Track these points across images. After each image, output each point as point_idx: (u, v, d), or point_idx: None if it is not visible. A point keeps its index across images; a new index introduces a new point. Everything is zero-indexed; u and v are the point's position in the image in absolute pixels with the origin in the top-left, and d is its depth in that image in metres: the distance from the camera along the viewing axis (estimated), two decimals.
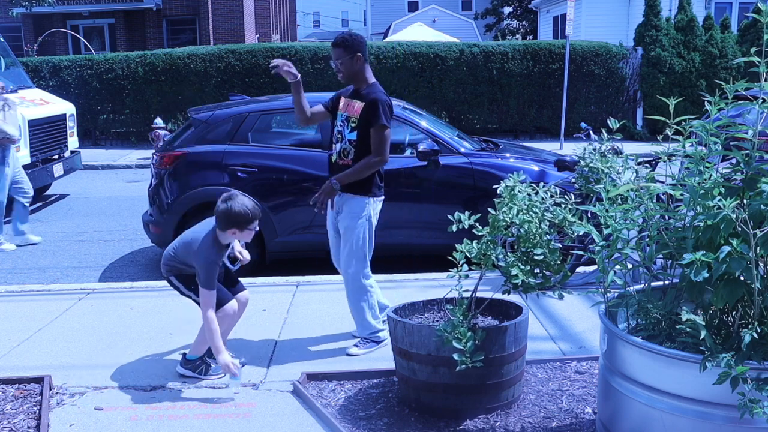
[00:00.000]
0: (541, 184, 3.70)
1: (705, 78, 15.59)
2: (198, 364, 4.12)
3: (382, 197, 4.44)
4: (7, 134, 7.57)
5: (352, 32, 4.36)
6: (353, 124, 4.29)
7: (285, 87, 16.64)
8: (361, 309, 4.45)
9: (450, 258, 3.49)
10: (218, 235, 3.95)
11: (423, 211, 6.34)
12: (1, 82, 8.05)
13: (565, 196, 3.64)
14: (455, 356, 3.30)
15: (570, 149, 8.09)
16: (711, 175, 3.01)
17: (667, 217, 3.22)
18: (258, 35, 30.11)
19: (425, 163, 6.24)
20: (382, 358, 4.27)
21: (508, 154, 6.70)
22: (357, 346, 4.48)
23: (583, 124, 7.35)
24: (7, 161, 7.72)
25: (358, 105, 4.28)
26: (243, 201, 3.88)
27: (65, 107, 10.85)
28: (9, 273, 6.99)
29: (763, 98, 2.88)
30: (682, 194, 3.03)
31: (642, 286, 3.21)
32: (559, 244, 3.61)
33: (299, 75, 4.25)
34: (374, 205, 4.38)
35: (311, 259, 6.40)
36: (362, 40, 4.31)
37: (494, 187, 3.64)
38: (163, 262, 4.14)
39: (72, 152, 10.97)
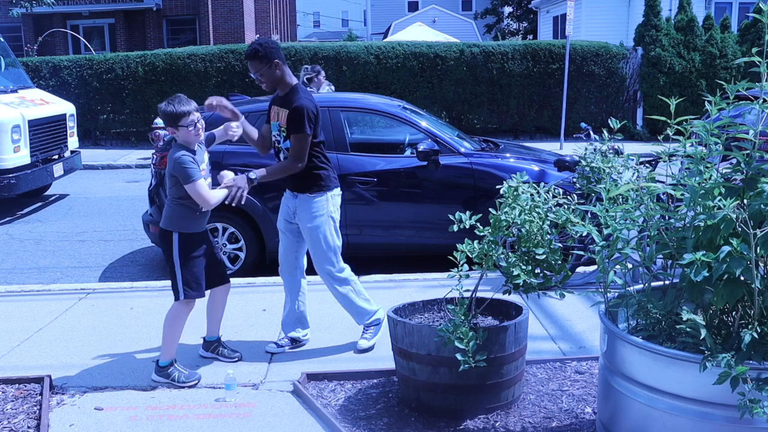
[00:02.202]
0: (542, 184, 3.70)
1: (705, 78, 15.58)
2: (171, 370, 4.06)
3: (339, 189, 4.42)
4: None
5: (263, 41, 4.21)
6: (285, 134, 4.26)
7: None
8: (350, 299, 4.45)
9: (450, 258, 3.49)
10: (179, 139, 4.01)
11: (423, 211, 6.34)
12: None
13: (568, 197, 3.64)
14: (458, 356, 3.30)
15: (570, 149, 8.08)
16: (711, 175, 3.01)
17: (667, 217, 3.22)
18: (258, 35, 30.11)
19: (425, 163, 6.23)
20: (382, 358, 4.27)
21: (508, 154, 6.70)
22: (364, 338, 4.52)
23: (583, 124, 7.35)
24: None
25: (283, 113, 4.23)
26: (173, 101, 3.96)
27: (65, 107, 10.85)
28: (9, 273, 6.99)
29: (763, 98, 2.88)
30: (682, 194, 3.03)
31: (642, 286, 3.21)
32: (560, 244, 3.60)
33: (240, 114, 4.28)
34: (332, 200, 4.35)
35: (311, 259, 6.39)
36: (275, 46, 4.20)
37: (497, 187, 3.64)
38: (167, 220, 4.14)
39: (72, 152, 10.97)
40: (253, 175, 4.14)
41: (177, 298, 4.06)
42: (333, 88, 8.81)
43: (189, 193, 3.93)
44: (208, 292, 4.22)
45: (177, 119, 3.92)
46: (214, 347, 4.38)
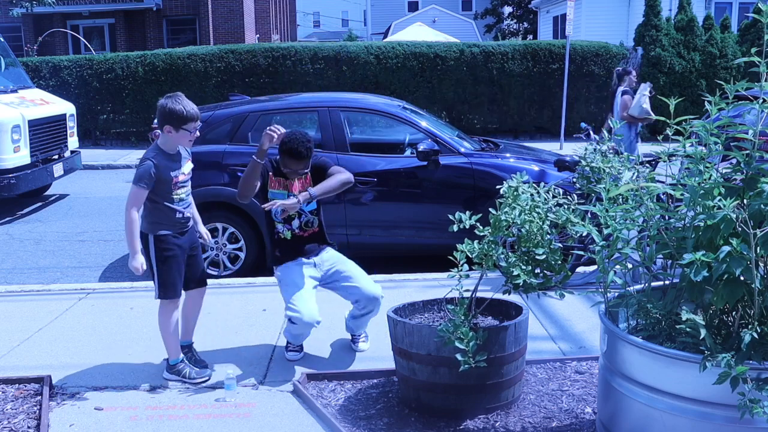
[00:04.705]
0: (542, 184, 3.70)
1: (705, 78, 15.58)
2: (182, 367, 4.09)
3: None
4: (650, 115, 8.50)
5: (304, 137, 4.10)
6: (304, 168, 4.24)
7: (285, 87, 16.57)
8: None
9: (450, 258, 3.49)
10: (160, 141, 3.94)
11: (423, 211, 6.34)
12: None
13: (568, 197, 3.64)
14: (458, 356, 3.30)
15: (570, 149, 8.09)
16: (711, 175, 3.02)
17: (667, 217, 3.22)
18: (258, 35, 30.11)
19: (425, 163, 6.24)
20: (382, 358, 4.27)
21: (508, 154, 6.70)
22: (364, 341, 4.58)
23: (583, 124, 7.36)
24: (638, 138, 8.65)
25: (304, 177, 4.23)
26: (182, 100, 3.87)
27: (65, 107, 10.85)
28: (9, 273, 6.99)
29: (763, 98, 2.88)
30: (682, 194, 3.03)
31: (642, 286, 3.21)
32: (560, 244, 3.61)
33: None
34: None
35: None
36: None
37: (497, 187, 3.64)
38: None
39: (72, 152, 10.96)
40: (314, 191, 4.11)
41: (155, 297, 4.06)
42: (651, 86, 8.85)
43: (130, 191, 3.85)
44: (184, 293, 4.16)
45: (183, 121, 3.83)
46: (184, 352, 4.25)
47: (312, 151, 4.15)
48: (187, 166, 4.06)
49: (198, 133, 3.99)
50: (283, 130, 4.08)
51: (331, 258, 4.39)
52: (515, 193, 3.48)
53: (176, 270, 4.00)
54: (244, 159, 6.36)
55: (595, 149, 3.81)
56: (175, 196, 3.96)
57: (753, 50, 2.92)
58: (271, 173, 4.23)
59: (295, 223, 4.30)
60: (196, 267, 4.20)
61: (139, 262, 3.85)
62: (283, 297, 4.23)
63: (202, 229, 4.28)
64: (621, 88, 8.92)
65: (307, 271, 4.31)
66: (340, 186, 4.21)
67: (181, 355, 4.12)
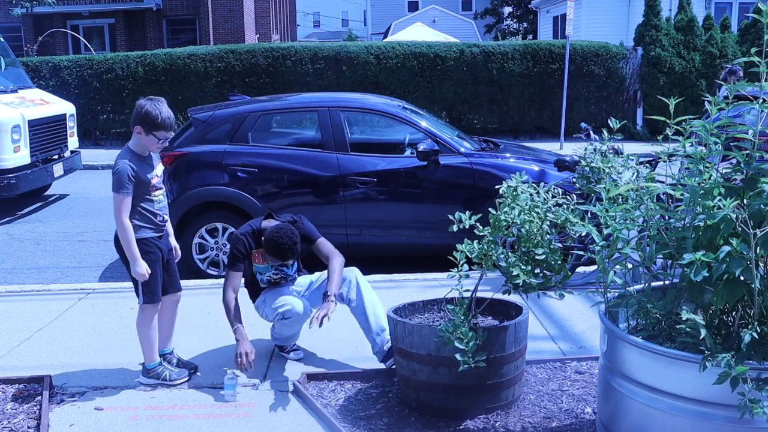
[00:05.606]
0: (541, 184, 3.70)
1: (705, 78, 15.57)
2: (161, 370, 4.08)
3: None
4: None
5: (293, 237, 4.05)
6: (290, 261, 4.32)
7: (285, 87, 16.55)
8: None
9: (450, 258, 3.49)
10: (131, 143, 3.89)
11: (423, 211, 6.34)
12: None
13: (567, 197, 3.64)
14: (457, 356, 3.30)
15: (570, 149, 8.09)
16: (711, 175, 3.02)
17: (667, 217, 3.22)
18: (258, 35, 30.11)
19: (425, 163, 6.24)
20: None
21: (508, 154, 6.70)
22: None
23: (583, 124, 7.35)
24: None
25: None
26: (161, 106, 3.81)
27: (65, 107, 10.85)
28: (9, 273, 6.99)
29: (763, 98, 2.88)
30: (682, 194, 3.03)
31: (642, 286, 3.21)
32: (560, 244, 3.61)
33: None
34: None
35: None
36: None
37: (496, 187, 3.64)
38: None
39: (72, 152, 10.97)
40: (332, 294, 4.07)
41: (141, 302, 4.05)
42: None
43: (114, 200, 3.81)
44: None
45: (155, 127, 3.79)
46: (167, 360, 4.26)
47: (298, 252, 4.12)
48: (159, 168, 4.06)
49: (167, 143, 3.96)
50: (252, 365, 4.01)
51: (317, 281, 4.47)
52: (514, 193, 3.48)
53: (158, 273, 3.99)
54: (244, 159, 6.38)
55: (595, 149, 3.81)
56: (154, 198, 3.95)
57: (753, 50, 2.92)
58: (253, 249, 4.24)
59: (287, 273, 4.39)
60: (172, 272, 4.19)
61: (144, 268, 3.85)
62: (269, 310, 4.26)
63: (173, 242, 4.24)
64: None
65: (302, 288, 4.45)
66: (343, 271, 4.23)
67: (159, 359, 4.11)
